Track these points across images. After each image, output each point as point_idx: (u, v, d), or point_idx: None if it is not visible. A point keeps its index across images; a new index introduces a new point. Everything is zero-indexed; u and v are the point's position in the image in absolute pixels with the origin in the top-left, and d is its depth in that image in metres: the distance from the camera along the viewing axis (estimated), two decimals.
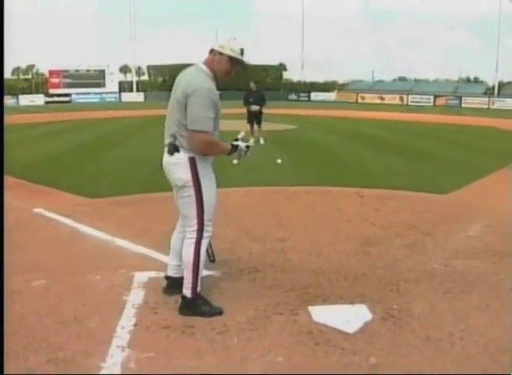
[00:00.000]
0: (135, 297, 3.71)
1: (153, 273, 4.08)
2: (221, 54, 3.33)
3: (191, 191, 3.31)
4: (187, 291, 3.40)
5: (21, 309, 3.46)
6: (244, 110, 13.95)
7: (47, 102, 44.89)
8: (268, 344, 3.09)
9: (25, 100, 43.99)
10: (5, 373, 1.97)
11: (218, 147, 3.44)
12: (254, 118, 13.71)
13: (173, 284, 3.54)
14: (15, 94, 45.59)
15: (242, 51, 3.36)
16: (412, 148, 13.13)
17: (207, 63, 3.40)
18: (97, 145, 13.09)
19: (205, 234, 3.39)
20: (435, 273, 4.26)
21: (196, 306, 3.40)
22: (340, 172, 9.31)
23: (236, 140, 3.60)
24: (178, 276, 3.59)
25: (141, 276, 4.04)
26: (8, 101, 43.31)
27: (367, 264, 4.43)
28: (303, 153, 11.96)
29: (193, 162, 3.32)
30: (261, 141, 13.61)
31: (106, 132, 17.19)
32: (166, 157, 3.40)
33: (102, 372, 2.77)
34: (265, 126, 14.14)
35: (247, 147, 3.60)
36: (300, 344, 3.10)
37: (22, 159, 10.00)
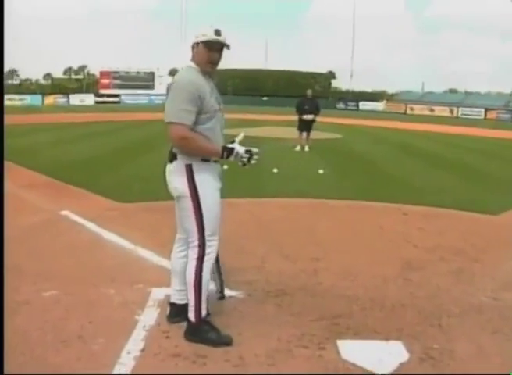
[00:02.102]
0: (148, 317, 3.42)
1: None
2: (197, 44, 3.07)
3: (188, 203, 2.98)
4: (191, 315, 3.08)
5: (25, 323, 3.23)
6: (292, 117, 13.60)
7: (97, 102, 45.97)
8: None
9: (75, 99, 45.20)
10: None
11: (199, 144, 2.99)
12: (306, 126, 13.36)
13: (177, 312, 3.21)
14: (66, 93, 46.99)
15: (217, 32, 3.03)
16: (462, 163, 12.43)
17: (192, 60, 3.13)
18: (138, 148, 13.01)
19: (208, 250, 3.04)
20: (483, 307, 3.78)
21: (201, 332, 3.07)
22: (384, 186, 8.79)
23: (233, 142, 3.18)
24: (182, 302, 3.24)
25: (158, 293, 3.75)
26: (59, 99, 44.73)
27: (406, 292, 3.99)
28: (346, 164, 11.49)
29: (189, 170, 2.99)
30: (306, 148, 13.25)
31: (149, 134, 17.20)
32: (167, 166, 3.12)
33: None
34: (311, 134, 13.75)
35: (248, 152, 3.14)
36: None
37: (60, 158, 10.00)
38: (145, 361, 2.88)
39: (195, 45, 3.07)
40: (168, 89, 3.12)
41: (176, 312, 3.27)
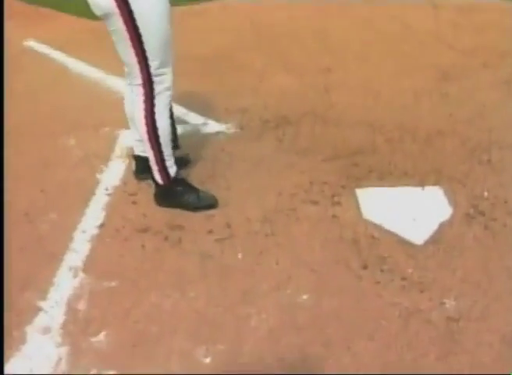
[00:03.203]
0: (112, 174, 2.67)
1: None
2: None
3: (118, 23, 1.96)
4: (156, 176, 2.31)
5: None
6: None
7: None
8: (287, 264, 2.05)
9: None
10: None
11: None
12: None
13: (145, 166, 2.40)
14: None
15: None
16: None
17: None
18: None
19: (158, 89, 2.12)
20: None
21: (174, 195, 2.35)
22: None
23: None
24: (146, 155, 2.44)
25: (128, 138, 2.93)
26: None
27: (444, 114, 3.08)
28: None
29: None
30: None
31: None
32: None
33: (36, 320, 1.87)
34: None
35: None
36: (336, 266, 2.04)
37: None
38: (103, 243, 2.21)
39: None
40: None
41: (144, 166, 2.49)
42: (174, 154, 2.40)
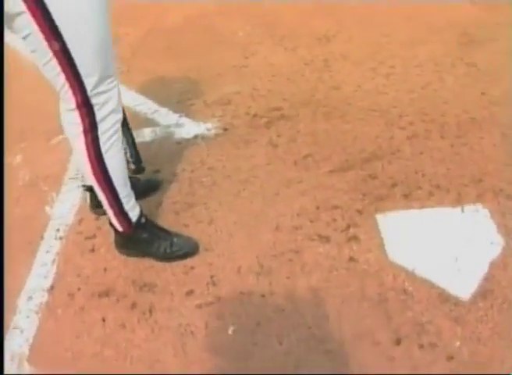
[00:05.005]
0: (64, 207, 2.11)
1: None
2: None
3: (30, 25, 1.32)
4: (113, 221, 1.73)
5: None
6: None
7: None
8: (293, 342, 1.53)
9: None
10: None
11: None
12: None
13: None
14: None
15: None
16: None
17: None
18: None
19: (100, 113, 1.49)
20: None
21: (138, 244, 1.80)
22: None
23: None
24: None
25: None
26: None
27: (474, 93, 2.48)
28: None
29: None
30: None
31: None
32: None
33: None
34: None
35: None
36: (358, 342, 1.50)
37: None
38: (53, 315, 1.68)
39: None
40: None
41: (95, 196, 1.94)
42: (138, 185, 1.85)
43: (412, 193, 1.97)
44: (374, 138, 2.25)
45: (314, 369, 1.46)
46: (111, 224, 1.77)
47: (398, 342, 1.51)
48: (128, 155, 1.86)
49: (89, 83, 1.44)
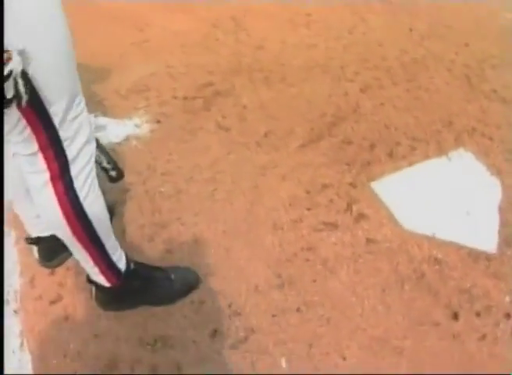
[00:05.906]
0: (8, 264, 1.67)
1: None
2: None
3: None
4: (98, 279, 1.38)
5: None
6: None
7: None
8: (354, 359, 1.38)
9: None
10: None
11: None
12: None
13: (51, 249, 1.47)
14: None
15: None
16: None
17: None
18: None
19: (72, 150, 1.10)
20: None
21: (132, 295, 1.46)
22: None
23: None
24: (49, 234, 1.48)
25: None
26: None
27: (404, 28, 2.39)
28: None
29: None
30: None
31: None
32: None
33: None
34: None
35: None
36: (420, 329, 1.41)
37: None
38: None
39: None
40: None
41: (52, 248, 1.55)
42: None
43: (394, 151, 1.86)
44: (328, 98, 2.08)
45: (390, 370, 1.33)
46: (90, 281, 1.41)
47: (455, 316, 1.43)
48: (105, 162, 1.47)
49: (55, 112, 1.04)
